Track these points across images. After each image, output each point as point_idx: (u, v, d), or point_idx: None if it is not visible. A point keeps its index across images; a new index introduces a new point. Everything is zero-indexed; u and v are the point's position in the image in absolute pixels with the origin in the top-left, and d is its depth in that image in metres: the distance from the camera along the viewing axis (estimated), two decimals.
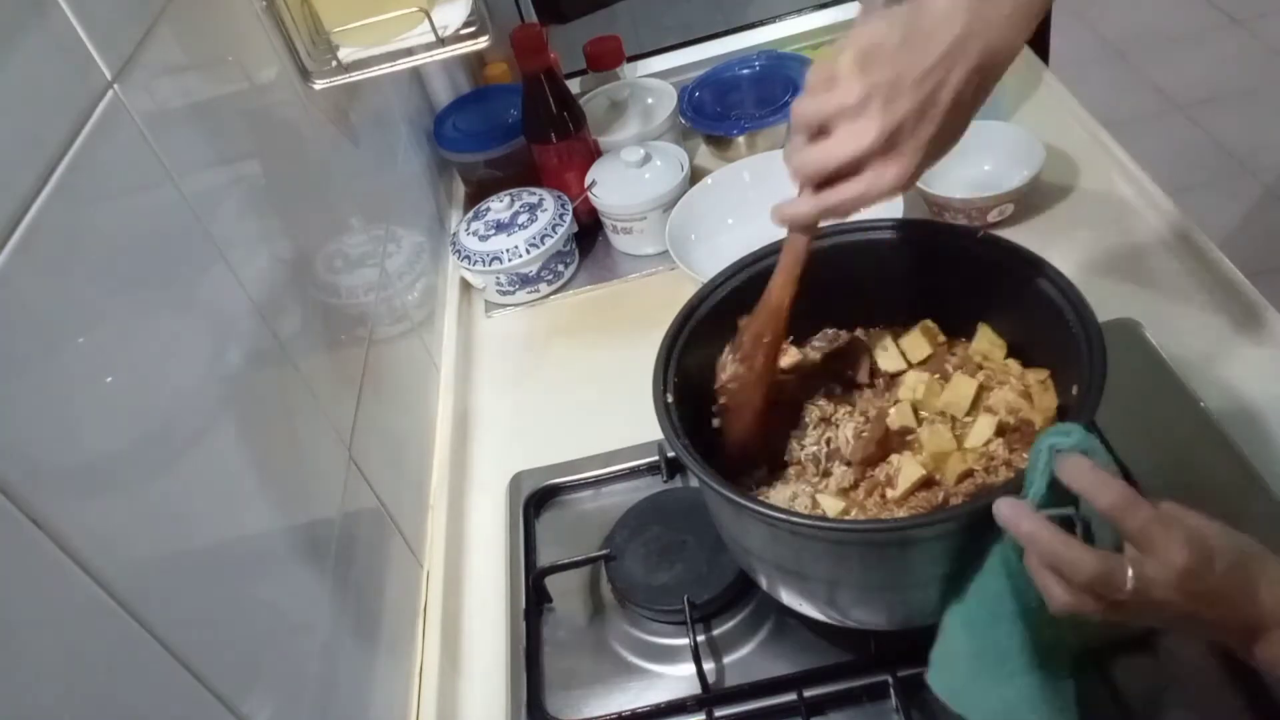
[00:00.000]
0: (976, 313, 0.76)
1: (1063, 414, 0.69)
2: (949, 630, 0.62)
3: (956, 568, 0.60)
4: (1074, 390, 0.65)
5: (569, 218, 1.16)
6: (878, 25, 0.57)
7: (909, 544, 0.61)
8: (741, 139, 1.24)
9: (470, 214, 1.19)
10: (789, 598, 0.69)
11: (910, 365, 0.77)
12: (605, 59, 1.35)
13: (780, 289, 0.68)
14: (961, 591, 0.60)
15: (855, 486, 0.70)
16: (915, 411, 0.73)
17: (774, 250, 0.77)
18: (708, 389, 0.74)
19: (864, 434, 0.71)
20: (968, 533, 0.58)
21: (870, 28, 0.58)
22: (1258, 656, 0.51)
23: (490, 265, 1.13)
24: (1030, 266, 0.69)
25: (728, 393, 0.72)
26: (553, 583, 0.84)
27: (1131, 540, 0.51)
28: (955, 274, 0.75)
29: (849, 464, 0.71)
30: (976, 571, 0.59)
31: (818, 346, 0.80)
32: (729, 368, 0.72)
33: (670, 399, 0.69)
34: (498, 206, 1.17)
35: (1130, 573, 0.50)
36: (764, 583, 0.71)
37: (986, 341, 0.76)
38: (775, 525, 0.62)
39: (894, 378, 0.77)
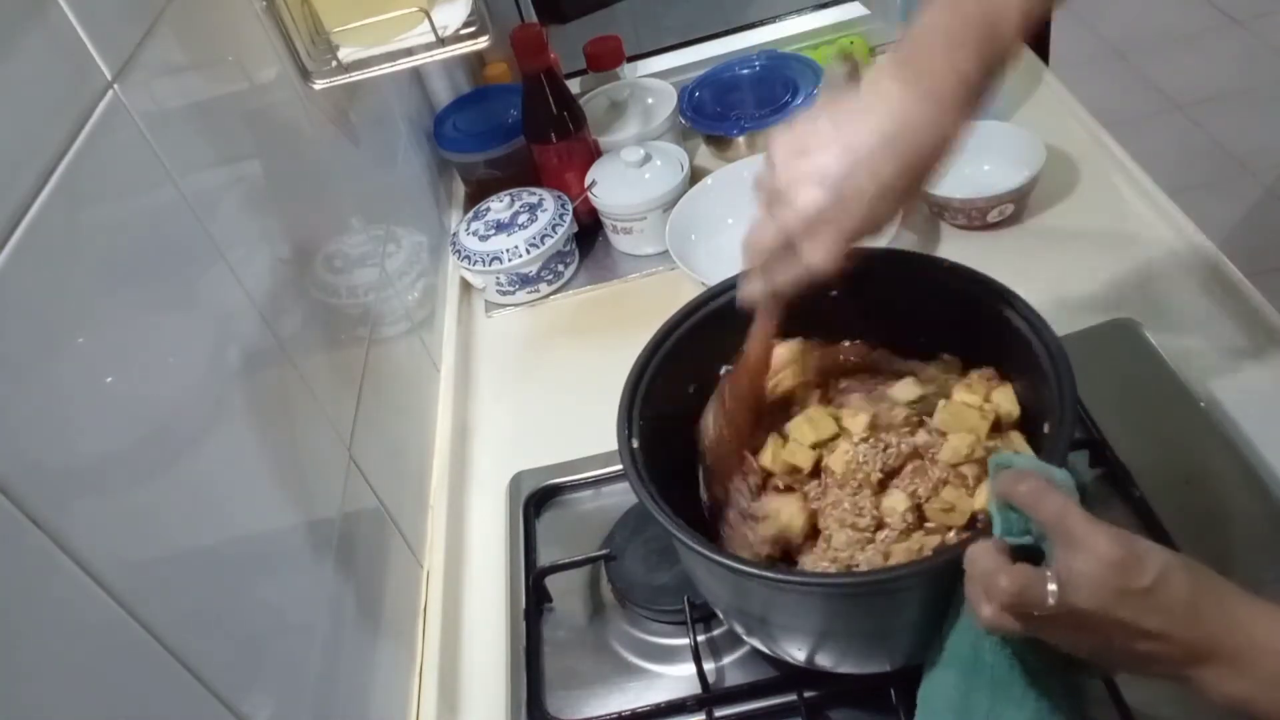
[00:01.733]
0: (938, 341, 0.75)
1: None
2: (934, 672, 0.61)
3: (935, 614, 0.60)
4: (1045, 428, 0.65)
5: (569, 218, 1.16)
6: (817, 114, 0.60)
7: (888, 593, 0.60)
8: (741, 139, 1.24)
9: (470, 214, 1.19)
10: (771, 648, 0.69)
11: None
12: (605, 59, 1.35)
13: (756, 352, 0.71)
14: (941, 633, 0.60)
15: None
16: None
17: (731, 286, 0.76)
18: (678, 425, 0.74)
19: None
20: (944, 579, 0.58)
21: (810, 115, 0.60)
22: (1207, 687, 0.49)
23: (490, 265, 1.13)
24: (1000, 299, 0.69)
25: (713, 455, 0.73)
26: (553, 583, 0.84)
27: (1054, 533, 0.50)
28: (921, 301, 0.74)
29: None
30: (952, 611, 0.59)
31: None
32: (711, 431, 0.73)
33: (635, 444, 0.68)
34: (498, 206, 1.17)
35: (1051, 586, 0.49)
36: (743, 633, 0.71)
37: (1008, 403, 0.71)
38: (756, 581, 0.61)
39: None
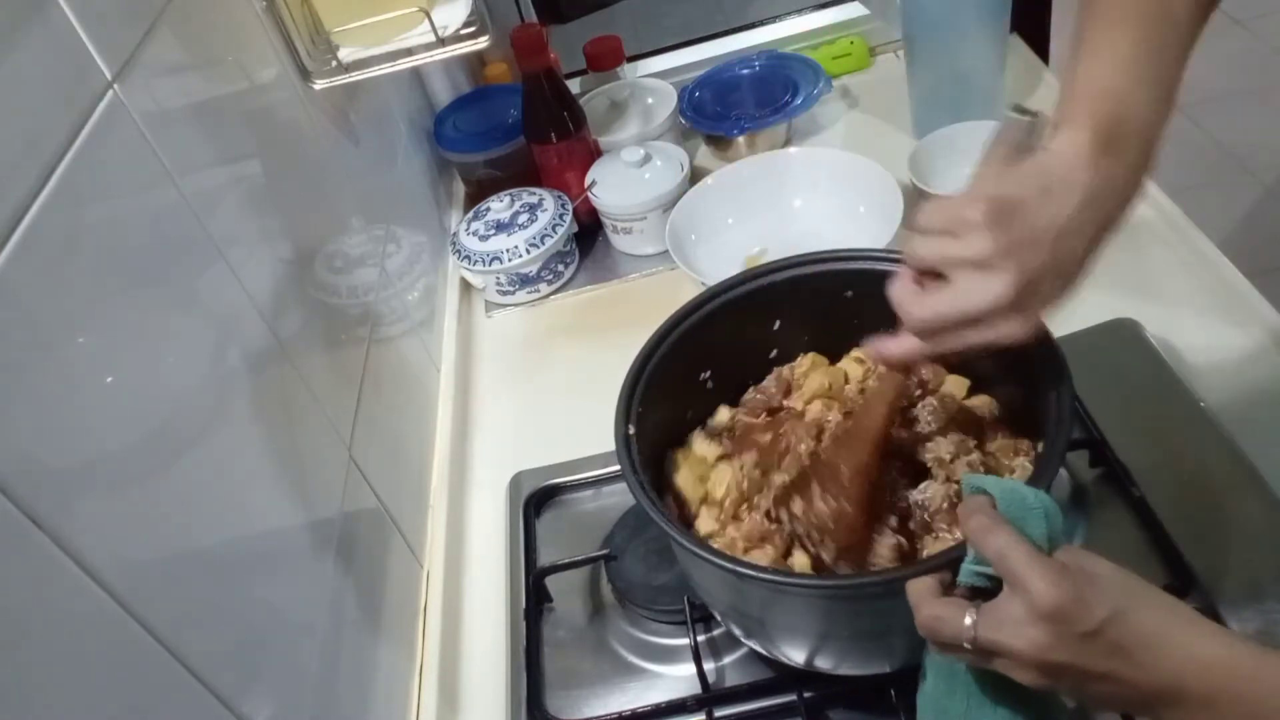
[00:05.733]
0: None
1: None
2: (923, 675, 0.61)
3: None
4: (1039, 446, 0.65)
5: (569, 218, 1.16)
6: (1008, 179, 0.56)
7: (886, 596, 0.59)
8: (741, 139, 1.24)
9: (470, 214, 1.19)
10: (770, 650, 0.69)
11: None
12: (605, 59, 1.35)
13: (880, 422, 0.66)
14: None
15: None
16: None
17: (751, 276, 0.77)
18: (684, 417, 0.74)
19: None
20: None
21: (1000, 181, 0.56)
22: None
23: (490, 265, 1.13)
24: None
25: (830, 533, 0.66)
26: (553, 583, 0.84)
27: (998, 571, 0.50)
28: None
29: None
30: None
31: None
32: (825, 508, 0.66)
33: (632, 430, 0.68)
34: (498, 206, 1.17)
35: (968, 621, 0.49)
36: (742, 636, 0.71)
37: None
38: (747, 580, 0.61)
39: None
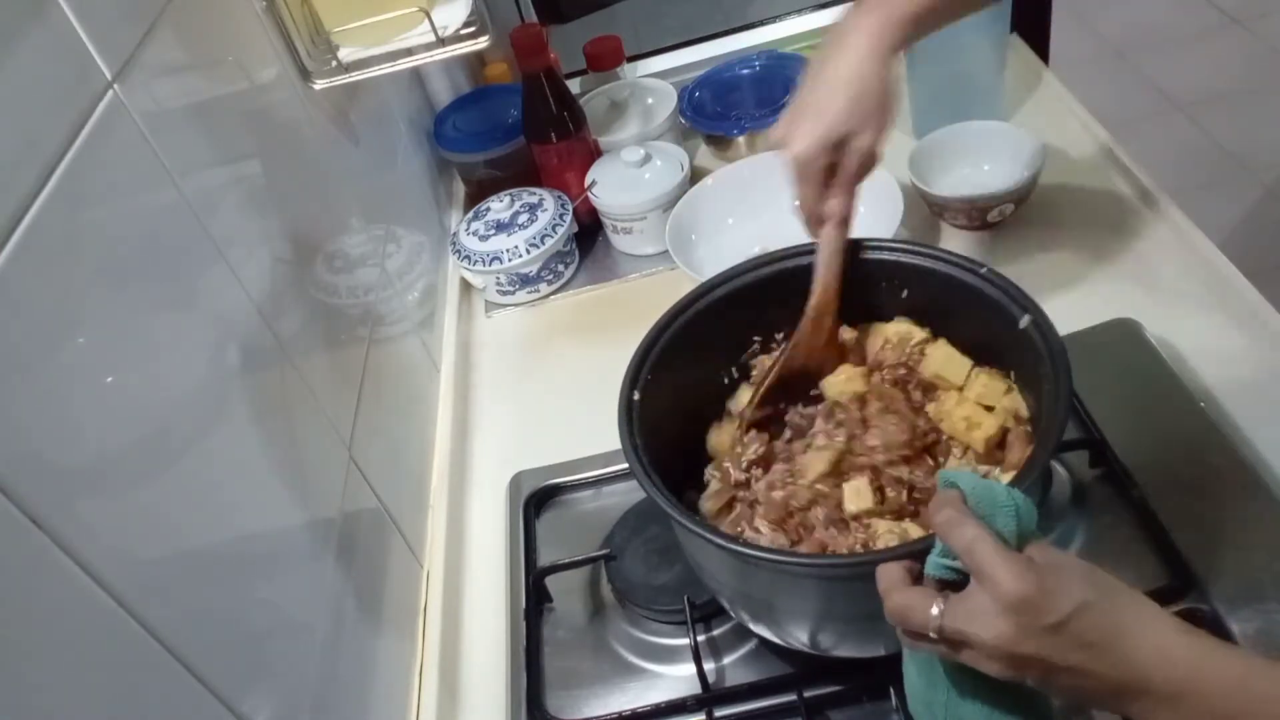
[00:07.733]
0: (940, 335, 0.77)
1: None
2: (905, 664, 0.60)
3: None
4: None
5: (569, 218, 1.16)
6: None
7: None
8: (741, 139, 1.24)
9: (470, 214, 1.19)
10: (774, 631, 0.69)
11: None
12: (605, 59, 1.35)
13: (829, 283, 0.76)
14: None
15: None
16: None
17: (782, 256, 0.79)
18: (693, 402, 0.76)
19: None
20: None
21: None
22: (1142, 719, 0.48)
23: (490, 265, 1.13)
24: (1019, 307, 0.69)
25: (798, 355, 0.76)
26: (553, 583, 0.84)
27: (965, 564, 0.50)
28: (927, 293, 0.75)
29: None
30: None
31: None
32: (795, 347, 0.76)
33: (637, 396, 0.69)
34: (498, 206, 1.17)
35: (934, 610, 0.49)
36: (743, 617, 0.71)
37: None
38: (743, 560, 0.62)
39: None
